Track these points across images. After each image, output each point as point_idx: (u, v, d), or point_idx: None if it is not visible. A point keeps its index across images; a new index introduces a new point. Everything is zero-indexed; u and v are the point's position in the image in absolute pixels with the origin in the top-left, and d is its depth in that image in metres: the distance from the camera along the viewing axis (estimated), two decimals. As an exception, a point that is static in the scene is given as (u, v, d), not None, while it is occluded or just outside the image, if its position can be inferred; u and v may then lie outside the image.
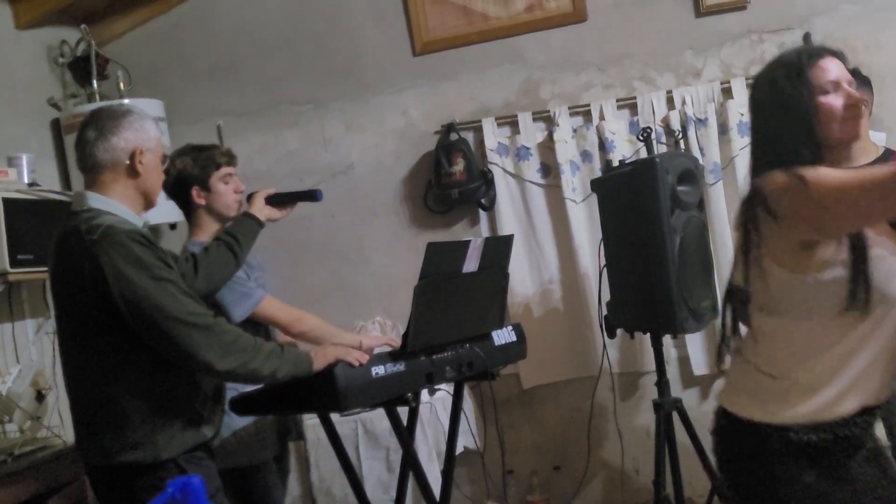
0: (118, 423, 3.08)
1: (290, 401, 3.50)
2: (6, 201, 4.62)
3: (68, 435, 4.73)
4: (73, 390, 3.22)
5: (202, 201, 3.96)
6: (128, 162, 3.21)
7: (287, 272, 5.99)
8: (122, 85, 5.87)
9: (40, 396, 5.05)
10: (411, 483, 4.45)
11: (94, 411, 3.12)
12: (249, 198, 3.98)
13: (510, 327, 4.23)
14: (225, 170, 3.98)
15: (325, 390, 3.35)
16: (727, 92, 5.53)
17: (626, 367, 5.76)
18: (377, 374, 3.47)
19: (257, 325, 3.94)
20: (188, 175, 3.94)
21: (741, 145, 5.43)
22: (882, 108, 5.30)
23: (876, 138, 5.21)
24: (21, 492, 4.35)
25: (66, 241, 3.12)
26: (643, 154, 4.89)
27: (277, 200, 3.99)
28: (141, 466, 3.09)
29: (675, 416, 4.76)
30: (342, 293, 6.10)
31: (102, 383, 3.09)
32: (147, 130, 3.28)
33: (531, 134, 5.80)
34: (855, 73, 4.55)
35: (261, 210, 3.91)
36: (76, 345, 3.16)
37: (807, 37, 5.43)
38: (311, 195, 4.02)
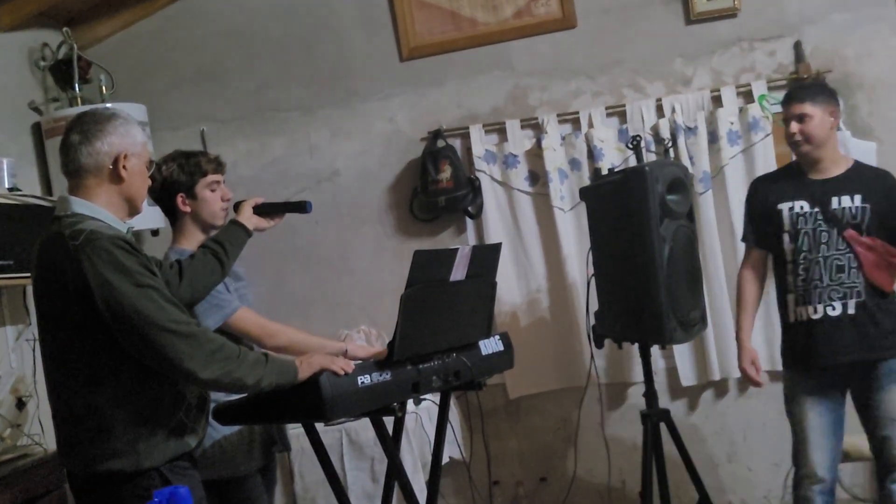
0: (100, 431, 3.04)
1: (275, 410, 3.44)
2: (-14, 206, 4.58)
3: (49, 443, 4.70)
4: (54, 398, 3.17)
5: (187, 209, 3.90)
6: (111, 167, 3.16)
7: (270, 280, 5.96)
8: (104, 89, 5.82)
9: (20, 404, 5.01)
10: (396, 493, 4.41)
11: (76, 419, 3.08)
12: (237, 206, 3.93)
13: (497, 337, 4.19)
14: (212, 177, 3.92)
15: (311, 399, 3.30)
16: (717, 100, 5.52)
17: (613, 377, 5.74)
18: (363, 383, 3.42)
19: (238, 338, 3.87)
20: (174, 181, 3.88)
21: (731, 154, 5.42)
22: (872, 117, 5.28)
23: (865, 148, 5.22)
24: (1, 500, 4.31)
25: (49, 246, 3.09)
26: (632, 162, 4.86)
27: (265, 210, 3.94)
28: (123, 475, 3.05)
29: (663, 428, 4.74)
30: (326, 301, 6.07)
31: (85, 391, 3.05)
32: (132, 135, 3.24)
33: (519, 141, 5.77)
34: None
35: (249, 219, 3.87)
36: (58, 352, 3.12)
37: (797, 45, 5.42)
38: (301, 206, 3.97)
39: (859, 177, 4.33)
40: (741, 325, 4.56)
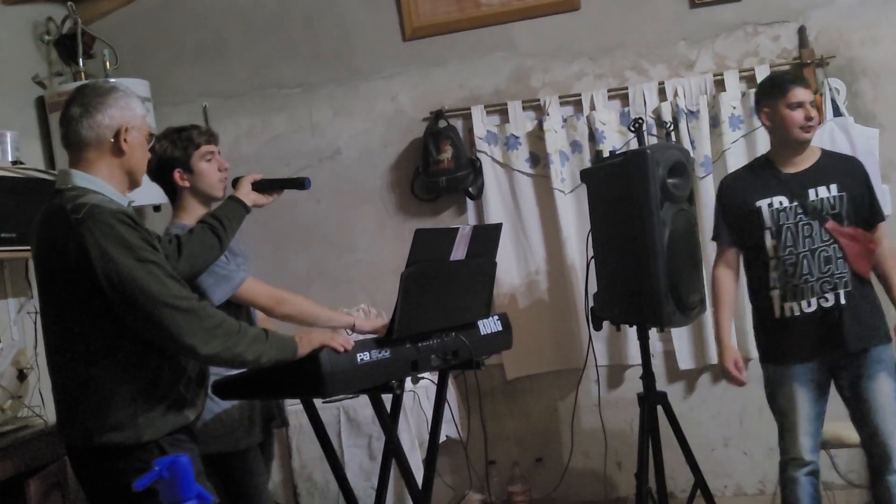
0: (100, 404, 3.04)
1: (274, 385, 3.46)
2: (-11, 179, 4.58)
3: (49, 415, 4.72)
4: (55, 371, 3.17)
5: (186, 183, 3.89)
6: (112, 140, 3.16)
7: (270, 258, 5.96)
8: (108, 64, 5.82)
9: (22, 376, 5.03)
10: (393, 471, 4.43)
11: (77, 392, 3.09)
12: (235, 182, 3.93)
13: (496, 317, 4.20)
14: (205, 148, 3.91)
15: (310, 376, 3.32)
16: (720, 84, 5.50)
17: (611, 359, 5.75)
18: (362, 360, 3.45)
19: (238, 309, 3.88)
20: (169, 158, 3.87)
21: (732, 139, 5.41)
22: (877, 103, 5.27)
23: (868, 135, 5.20)
24: (1, 471, 4.32)
25: (50, 219, 3.08)
26: (634, 145, 4.85)
27: (264, 186, 3.93)
28: (122, 448, 3.05)
29: (660, 411, 4.74)
30: (327, 279, 6.08)
31: (85, 364, 3.05)
32: (133, 108, 3.23)
33: (521, 123, 5.76)
34: None
35: (247, 195, 3.86)
36: (59, 325, 3.12)
37: (802, 30, 5.41)
38: (299, 183, 3.96)
39: (831, 166, 4.26)
40: (721, 325, 4.45)
